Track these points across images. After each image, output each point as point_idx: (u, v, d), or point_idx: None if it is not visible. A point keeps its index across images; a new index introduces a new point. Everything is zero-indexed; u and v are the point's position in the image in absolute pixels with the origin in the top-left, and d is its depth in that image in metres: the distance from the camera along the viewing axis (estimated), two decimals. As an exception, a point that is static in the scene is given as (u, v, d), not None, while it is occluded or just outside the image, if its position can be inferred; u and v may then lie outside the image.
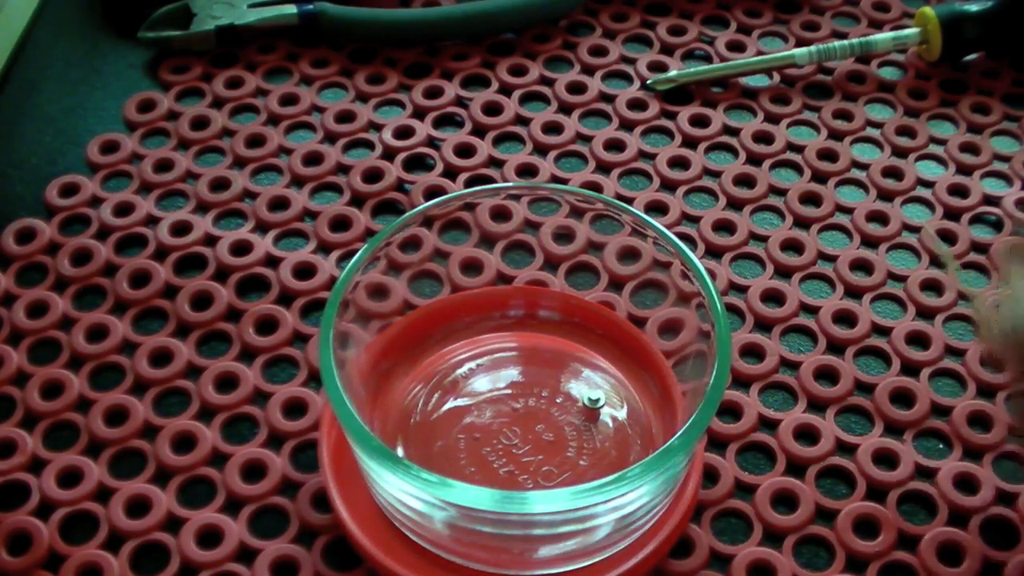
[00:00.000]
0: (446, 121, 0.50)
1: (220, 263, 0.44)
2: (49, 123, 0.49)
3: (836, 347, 0.41)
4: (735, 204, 0.47)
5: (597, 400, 0.37)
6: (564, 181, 0.47)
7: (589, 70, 0.52)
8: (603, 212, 0.38)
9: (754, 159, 0.48)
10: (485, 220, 0.41)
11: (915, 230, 0.46)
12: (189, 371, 0.41)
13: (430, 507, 0.32)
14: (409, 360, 0.39)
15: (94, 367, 0.41)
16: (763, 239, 0.45)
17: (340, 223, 0.45)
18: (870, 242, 0.45)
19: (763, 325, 0.42)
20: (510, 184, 0.45)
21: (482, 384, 0.39)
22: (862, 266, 0.44)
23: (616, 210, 0.38)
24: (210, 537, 0.36)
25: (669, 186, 0.47)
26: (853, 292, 0.43)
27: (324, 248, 0.45)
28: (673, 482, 0.34)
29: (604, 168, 0.48)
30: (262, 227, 0.45)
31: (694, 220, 0.46)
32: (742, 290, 0.43)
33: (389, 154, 0.48)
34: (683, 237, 0.45)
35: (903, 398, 0.40)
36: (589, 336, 0.40)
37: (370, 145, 0.48)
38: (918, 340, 0.42)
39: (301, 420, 0.39)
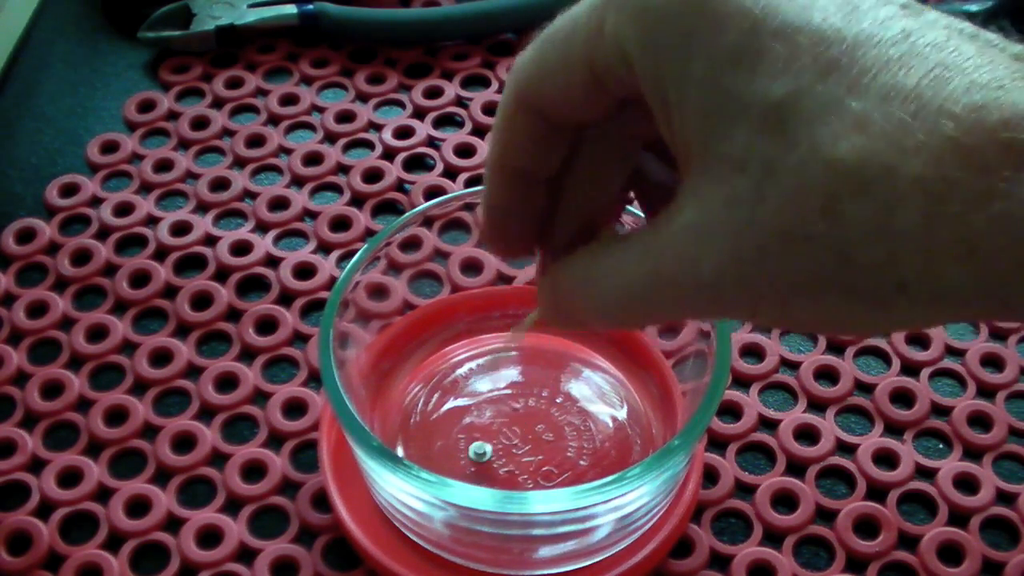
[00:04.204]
0: (446, 121, 0.50)
1: (220, 263, 0.44)
2: (49, 123, 0.49)
3: (836, 347, 0.41)
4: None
5: (483, 454, 0.36)
6: (564, 181, 0.47)
7: (589, 70, 0.52)
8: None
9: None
10: (485, 220, 0.41)
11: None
12: (189, 371, 0.41)
13: (430, 507, 0.32)
14: (409, 360, 0.39)
15: (94, 367, 0.41)
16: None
17: (340, 223, 0.45)
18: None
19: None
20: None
21: (482, 384, 0.39)
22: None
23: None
24: (210, 537, 0.36)
25: (669, 186, 0.47)
26: (853, 292, 0.43)
27: (324, 248, 0.45)
28: (673, 482, 0.34)
29: (604, 168, 0.48)
30: (262, 227, 0.45)
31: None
32: (742, 290, 0.43)
33: (389, 154, 0.48)
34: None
35: (903, 398, 0.40)
36: (589, 336, 0.40)
37: (370, 145, 0.48)
38: (918, 340, 0.42)
39: (301, 420, 0.39)
